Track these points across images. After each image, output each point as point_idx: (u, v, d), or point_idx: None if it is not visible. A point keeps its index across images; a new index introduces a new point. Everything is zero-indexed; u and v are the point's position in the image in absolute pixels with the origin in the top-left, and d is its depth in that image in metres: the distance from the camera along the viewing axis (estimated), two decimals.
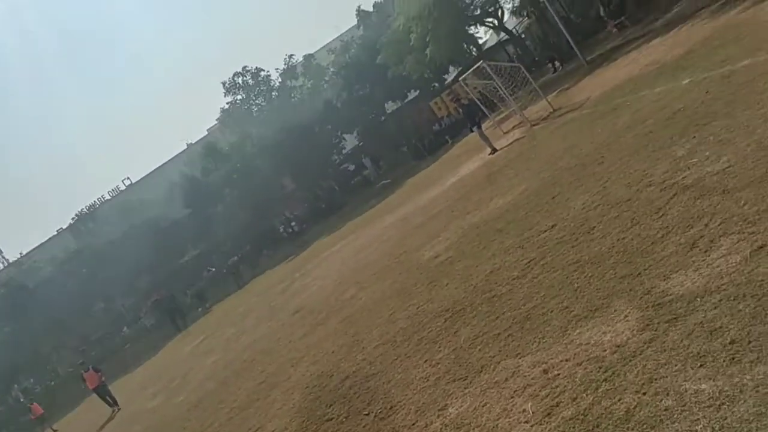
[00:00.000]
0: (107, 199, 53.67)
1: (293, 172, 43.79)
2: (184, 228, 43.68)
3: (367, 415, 5.05)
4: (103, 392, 17.16)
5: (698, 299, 3.50)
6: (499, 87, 17.64)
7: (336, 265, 15.35)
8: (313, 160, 42.57)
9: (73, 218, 45.67)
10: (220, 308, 24.72)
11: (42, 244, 52.33)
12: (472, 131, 17.81)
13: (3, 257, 58.87)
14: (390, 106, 45.68)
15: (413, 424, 4.33)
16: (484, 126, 17.77)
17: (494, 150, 15.89)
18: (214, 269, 45.54)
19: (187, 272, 45.11)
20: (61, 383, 44.53)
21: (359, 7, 44.13)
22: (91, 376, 17.28)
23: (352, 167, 47.82)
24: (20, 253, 49.35)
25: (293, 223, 46.40)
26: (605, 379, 3.33)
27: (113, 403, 16.85)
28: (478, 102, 18.03)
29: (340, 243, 20.48)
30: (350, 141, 46.74)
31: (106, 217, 44.76)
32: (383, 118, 44.99)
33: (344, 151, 47.15)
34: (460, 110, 18.12)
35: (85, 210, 46.22)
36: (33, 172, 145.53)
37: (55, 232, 54.19)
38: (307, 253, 26.82)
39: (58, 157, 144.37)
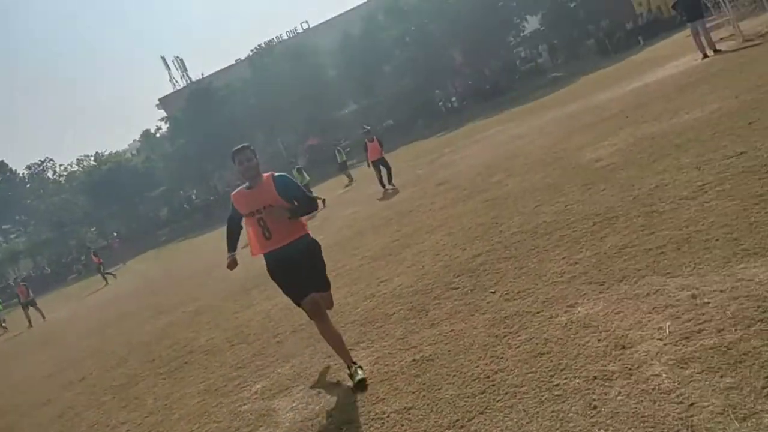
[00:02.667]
0: (285, 39, 55.59)
1: (465, 47, 42.47)
2: (349, 81, 44.57)
3: (493, 293, 5.12)
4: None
5: None
6: None
7: (488, 149, 15.11)
8: (488, 37, 40.87)
9: (251, 50, 48.05)
10: (364, 168, 25.55)
11: (221, 69, 55.97)
12: (689, 25, 15.04)
13: (188, 75, 64.06)
14: None
15: (538, 312, 4.34)
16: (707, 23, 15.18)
17: (706, 55, 14.16)
18: (369, 128, 46.74)
19: (343, 126, 46.68)
20: (218, 200, 49.52)
21: None
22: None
23: (526, 52, 45.45)
24: (202, 74, 53.24)
25: (454, 99, 45.75)
26: (762, 320, 3.07)
27: None
28: None
29: (497, 127, 20.02)
30: (532, 24, 43.96)
31: (280, 56, 46.52)
32: (573, 4, 41.57)
33: (523, 34, 44.62)
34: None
35: (263, 45, 48.29)
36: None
37: (234, 62, 57.60)
38: (462, 131, 26.59)
39: None
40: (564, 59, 41.06)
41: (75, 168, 60.18)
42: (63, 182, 59.64)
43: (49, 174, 62.07)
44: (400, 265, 7.35)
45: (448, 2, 40.66)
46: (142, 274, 25.03)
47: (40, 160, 62.16)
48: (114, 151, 58.18)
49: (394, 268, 7.36)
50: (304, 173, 21.46)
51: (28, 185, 59.57)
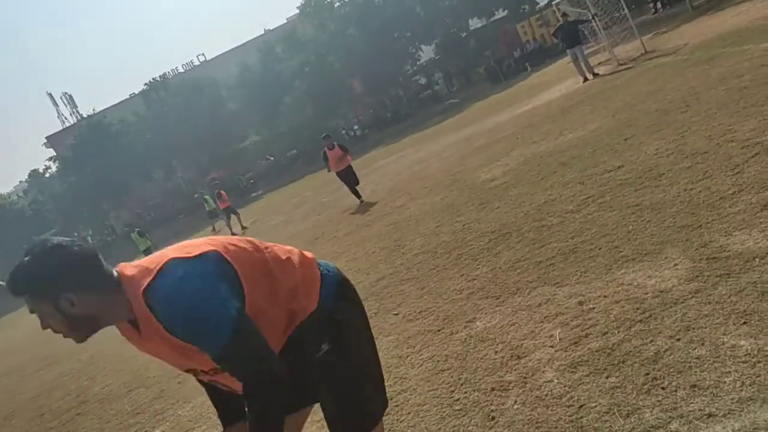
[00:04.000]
0: (180, 72, 54.41)
1: (364, 76, 43.23)
2: (249, 112, 44.11)
3: (396, 314, 5.16)
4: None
5: (757, 259, 3.34)
6: (594, 18, 16.65)
7: (391, 174, 15.36)
8: (386, 66, 41.84)
9: (146, 84, 46.59)
10: (273, 196, 25.29)
11: (114, 105, 53.93)
12: (568, 51, 16.01)
13: (77, 111, 61.23)
14: (474, 23, 43.96)
15: (439, 330, 4.41)
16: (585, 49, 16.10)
17: (586, 79, 15.12)
18: (272, 158, 46.36)
19: (247, 157, 46.06)
20: (115, 240, 47.24)
21: None
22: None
23: (423, 80, 46.89)
24: (93, 110, 51.01)
25: (356, 127, 46.31)
26: (641, 320, 3.27)
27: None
28: (580, 23, 16.71)
29: (399, 153, 20.42)
30: (426, 53, 45.48)
31: (177, 89, 45.43)
32: (465, 34, 43.48)
33: (419, 63, 46.06)
34: (562, 25, 16.29)
35: (158, 78, 46.98)
36: (114, 31, 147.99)
37: (128, 96, 55.67)
38: (365, 158, 26.88)
39: (138, 22, 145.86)
40: (459, 86, 42.66)
41: None
42: None
43: None
44: None
45: (344, 34, 41.37)
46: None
47: None
48: None
49: None
50: (147, 236, 19.87)
51: None
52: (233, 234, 17.95)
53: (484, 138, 13.81)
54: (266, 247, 2.03)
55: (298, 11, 44.43)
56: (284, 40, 44.06)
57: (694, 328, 2.99)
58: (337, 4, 42.85)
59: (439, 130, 22.50)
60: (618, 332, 3.27)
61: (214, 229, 24.17)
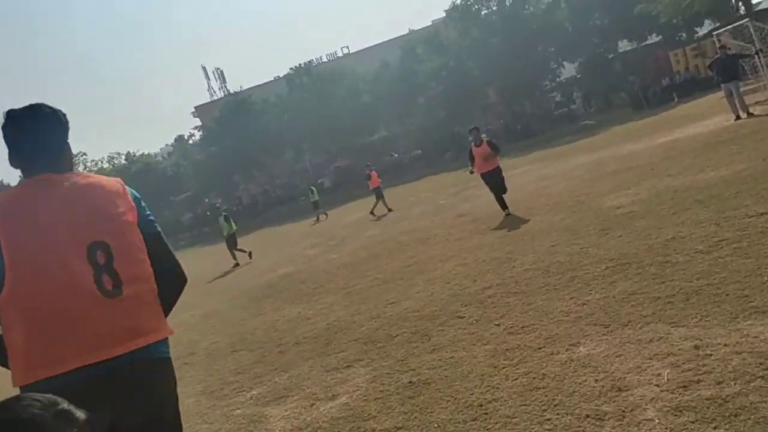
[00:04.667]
0: (324, 61, 56.58)
1: (500, 85, 42.73)
2: (382, 108, 45.02)
3: (497, 325, 5.11)
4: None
5: None
6: (758, 54, 15.46)
7: (514, 188, 15.10)
8: (524, 78, 41.10)
9: (291, 69, 48.86)
10: (392, 192, 25.69)
11: (259, 84, 57.05)
12: (722, 86, 14.74)
13: (226, 87, 65.41)
14: (623, 45, 42.11)
15: (540, 348, 4.33)
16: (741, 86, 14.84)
17: (738, 117, 14.11)
18: (396, 155, 47.04)
19: (373, 150, 47.05)
20: (238, 212, 50.05)
21: None
22: None
23: (560, 97, 45.59)
24: (240, 87, 54.30)
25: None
26: (762, 377, 3.04)
27: None
28: (740, 58, 15.61)
29: (525, 167, 20.03)
30: (568, 70, 44.16)
31: (318, 77, 47.26)
32: (612, 55, 41.79)
33: (558, 79, 44.83)
34: (720, 57, 15.21)
35: (302, 65, 49.13)
36: (268, 14, 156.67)
37: (273, 78, 58.69)
38: None
39: (290, 12, 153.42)
40: (597, 108, 41.08)
41: (106, 165, 61.26)
42: None
43: (80, 168, 63.31)
44: (410, 290, 7.37)
45: (487, 42, 41.08)
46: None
47: (73, 154, 63.44)
48: (146, 153, 59.16)
49: (404, 292, 7.38)
50: (232, 222, 19.13)
51: None
52: (373, 214, 19.74)
53: (616, 164, 13.25)
54: None
55: (444, 14, 44.64)
56: (426, 42, 44.50)
57: None
58: (485, 11, 42.61)
59: (569, 150, 21.83)
60: (734, 384, 3.07)
61: (317, 220, 25.28)
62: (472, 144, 11.33)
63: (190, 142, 63.81)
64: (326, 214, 25.98)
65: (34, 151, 2.10)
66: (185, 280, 2.39)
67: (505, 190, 11.13)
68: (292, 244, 18.88)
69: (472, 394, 3.89)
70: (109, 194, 2.14)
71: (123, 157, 57.59)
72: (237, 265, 17.30)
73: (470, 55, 41.88)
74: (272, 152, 48.87)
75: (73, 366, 1.88)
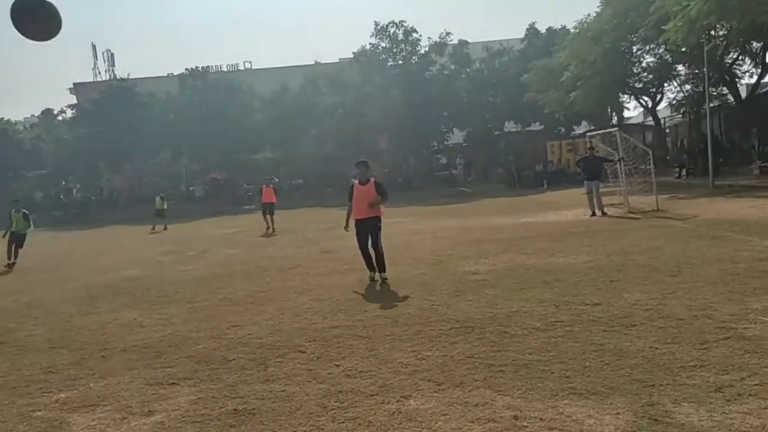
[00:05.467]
0: (223, 70, 55.18)
1: (392, 135, 43.88)
2: (271, 129, 44.38)
3: (337, 365, 5.07)
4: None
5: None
6: (620, 162, 17.07)
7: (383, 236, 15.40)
8: (415, 135, 42.52)
9: (186, 69, 47.19)
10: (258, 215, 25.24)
11: (149, 77, 54.42)
12: (585, 183, 16.30)
13: (113, 70, 61.81)
14: (509, 126, 45.01)
15: (372, 395, 4.31)
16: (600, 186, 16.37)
17: (594, 214, 15.38)
18: (277, 179, 46.36)
19: (253, 170, 46.03)
20: (99, 201, 46.86)
21: (533, 24, 43.34)
22: None
23: (444, 160, 47.57)
24: (128, 75, 51.30)
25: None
26: None
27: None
28: (605, 161, 17.15)
29: (398, 218, 20.49)
30: (456, 136, 46.38)
31: (213, 83, 45.97)
32: (497, 132, 44.47)
33: (446, 143, 46.86)
34: (588, 157, 16.64)
35: (200, 68, 47.62)
36: (174, 8, 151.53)
37: (165, 74, 56.27)
38: None
39: (200, 12, 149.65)
40: (475, 177, 43.29)
41: None
42: None
43: None
44: (258, 316, 7.17)
45: (387, 92, 42.21)
46: None
47: None
48: (5, 118, 53.94)
49: (251, 316, 7.17)
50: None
51: None
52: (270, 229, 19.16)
53: (481, 233, 13.93)
54: None
55: (352, 56, 45.43)
56: (329, 77, 44.88)
57: None
58: (391, 63, 43.90)
59: (442, 211, 22.72)
60: None
61: (153, 229, 24.54)
62: (355, 181, 9.21)
63: (60, 118, 59.30)
64: (166, 227, 24.91)
65: None
66: None
67: (377, 250, 8.90)
68: (145, 247, 17.88)
69: (295, 431, 3.78)
70: None
71: None
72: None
73: (369, 100, 42.73)
74: (148, 149, 46.46)
75: None
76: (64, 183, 53.34)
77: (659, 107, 37.15)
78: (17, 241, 15.32)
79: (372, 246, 8.90)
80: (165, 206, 26.10)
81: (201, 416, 4.14)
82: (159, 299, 8.81)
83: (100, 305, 8.70)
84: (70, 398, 4.73)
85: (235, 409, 4.22)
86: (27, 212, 15.87)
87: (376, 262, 8.88)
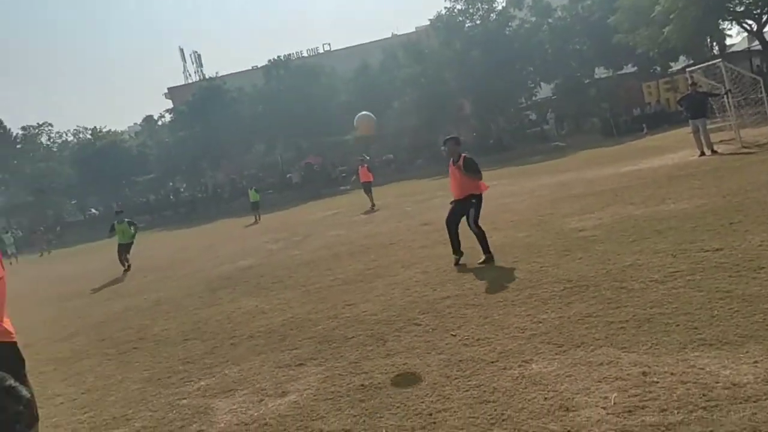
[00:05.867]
0: (304, 56, 56.20)
1: (476, 98, 43.04)
2: (358, 108, 44.85)
3: (453, 335, 5.14)
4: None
5: None
6: (727, 94, 15.92)
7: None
8: (500, 94, 41.49)
9: (269, 60, 48.42)
10: (359, 194, 25.67)
11: (235, 72, 56.31)
12: (690, 122, 15.04)
13: (202, 71, 64.47)
14: (600, 72, 42.90)
15: (493, 362, 4.36)
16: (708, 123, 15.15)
17: (703, 153, 14.49)
18: (368, 157, 46.95)
19: (345, 150, 46.86)
20: (205, 198, 49.29)
21: None
22: None
23: (533, 116, 46.17)
24: (216, 73, 53.40)
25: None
26: (705, 407, 3.12)
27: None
28: (710, 96, 16.01)
29: (492, 182, 20.14)
30: (545, 90, 44.79)
31: (296, 71, 46.89)
32: (587, 81, 42.49)
33: (534, 98, 45.41)
34: (690, 94, 15.46)
35: (282, 57, 48.74)
36: (251, 3, 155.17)
37: (250, 68, 58.01)
38: None
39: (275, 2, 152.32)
40: (568, 130, 41.79)
41: (70, 138, 59.70)
42: (54, 150, 59.10)
43: (44, 139, 61.46)
44: (369, 293, 7.36)
45: (468, 54, 41.36)
46: (109, 256, 24.71)
47: (37, 123, 61.55)
48: (112, 130, 57.78)
49: (363, 294, 7.37)
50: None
51: (20, 146, 58.90)
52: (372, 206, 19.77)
53: (581, 187, 13.49)
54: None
55: (428, 23, 44.83)
56: (408, 47, 44.59)
57: (760, 430, 2.83)
58: (469, 24, 42.91)
59: (537, 169, 22.16)
60: (678, 413, 3.14)
61: (255, 221, 25.23)
62: (451, 161, 8.48)
63: (160, 123, 62.69)
64: (258, 219, 25.85)
65: None
66: None
67: (473, 230, 8.07)
68: (253, 237, 18.70)
69: (422, 402, 3.90)
70: None
71: (89, 132, 56.19)
72: (128, 270, 15.49)
73: (449, 66, 42.12)
74: (243, 142, 48.29)
75: None
76: (171, 184, 56.58)
77: (766, 29, 34.06)
78: (126, 249, 15.79)
79: (468, 226, 8.15)
80: (258, 198, 26.98)
81: (331, 393, 4.36)
82: (274, 285, 9.24)
83: (222, 296, 9.24)
84: (210, 385, 5.10)
85: (362, 385, 4.40)
86: (131, 221, 16.54)
87: (479, 242, 8.07)
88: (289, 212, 27.83)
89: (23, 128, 58.95)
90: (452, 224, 8.31)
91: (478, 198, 8.19)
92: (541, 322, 5.02)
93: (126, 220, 16.20)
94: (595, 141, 31.43)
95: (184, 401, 4.82)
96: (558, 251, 7.55)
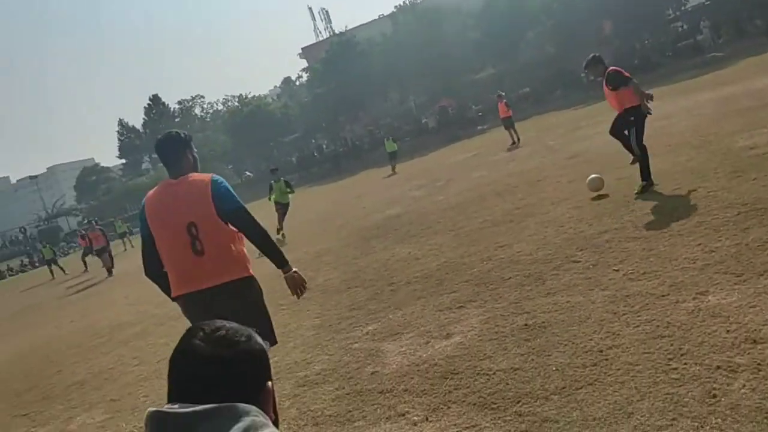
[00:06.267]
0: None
1: (617, 17, 39.91)
2: (489, 44, 43.50)
3: (616, 270, 4.96)
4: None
5: None
6: None
7: None
8: (645, 8, 38.12)
9: (395, 6, 48.29)
10: (498, 132, 25.15)
11: (363, 24, 56.81)
12: None
13: (331, 27, 65.68)
14: None
15: (663, 296, 4.17)
16: None
17: None
18: (503, 93, 45.65)
19: (478, 89, 45.92)
20: (347, 151, 50.85)
21: None
22: None
23: (684, 27, 41.98)
24: (345, 27, 54.28)
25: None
26: None
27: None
28: None
29: None
30: None
31: (423, 13, 46.31)
32: None
33: (684, 7, 41.21)
34: None
35: (407, 2, 48.34)
36: None
37: (377, 17, 58.23)
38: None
39: None
40: (727, 38, 37.54)
41: (220, 107, 64.05)
42: (208, 120, 63.84)
43: (197, 110, 66.54)
44: (521, 233, 7.27)
45: None
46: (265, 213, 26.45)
47: (191, 96, 66.66)
48: (256, 95, 61.12)
49: (515, 235, 7.30)
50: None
51: (177, 119, 64.20)
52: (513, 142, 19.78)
53: (749, 100, 12.17)
54: None
55: None
56: None
57: None
58: None
59: (693, 85, 20.27)
60: None
61: (393, 171, 25.26)
62: (602, 82, 8.09)
63: (297, 83, 65.15)
64: (394, 168, 25.79)
65: (165, 164, 3.43)
66: (262, 232, 3.41)
67: (631, 151, 7.81)
68: (395, 186, 19.06)
69: (591, 340, 3.84)
70: (199, 190, 3.26)
71: (236, 99, 59.85)
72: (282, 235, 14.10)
73: None
74: (377, 93, 48.97)
75: (184, 291, 3.27)
76: (313, 141, 59.02)
77: None
78: (283, 210, 14.91)
79: (630, 146, 7.77)
80: (396, 147, 27.05)
81: (495, 334, 4.41)
82: (424, 231, 9.42)
83: (375, 245, 9.59)
84: (377, 329, 5.38)
85: (525, 324, 4.41)
86: (288, 180, 15.72)
87: (639, 167, 7.57)
88: (427, 158, 27.95)
89: (179, 102, 64.18)
90: (615, 133, 8.02)
91: (637, 114, 7.56)
92: (714, 251, 4.69)
93: (282, 178, 15.56)
94: (760, 45, 27.98)
95: (356, 345, 5.13)
96: (727, 173, 6.94)
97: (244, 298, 3.31)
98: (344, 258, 9.31)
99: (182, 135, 3.47)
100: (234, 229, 3.32)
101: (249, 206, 3.54)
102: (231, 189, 3.34)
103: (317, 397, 4.23)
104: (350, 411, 3.89)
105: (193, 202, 3.23)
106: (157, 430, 1.05)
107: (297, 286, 3.56)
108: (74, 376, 6.97)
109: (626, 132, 7.79)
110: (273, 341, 3.42)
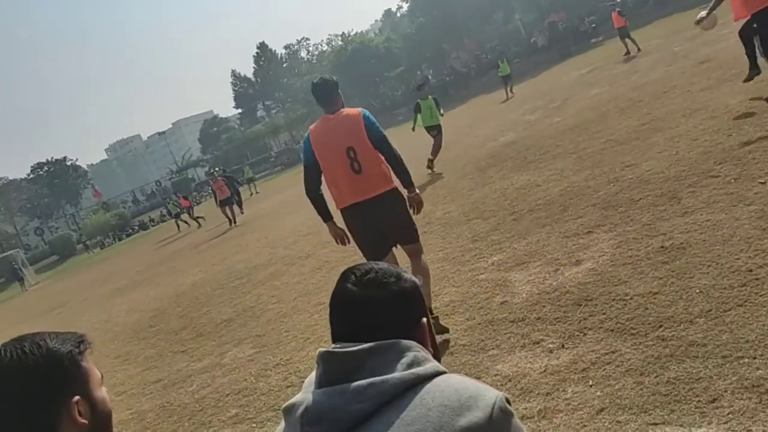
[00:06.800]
0: None
1: None
2: None
3: (762, 183, 4.58)
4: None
5: None
6: None
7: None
8: None
9: None
10: (614, 43, 23.50)
11: None
12: None
13: None
14: None
15: None
16: None
17: None
18: (618, 1, 42.26)
19: (589, 0, 42.87)
20: (453, 80, 49.81)
21: None
22: None
23: None
24: None
25: None
26: None
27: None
28: None
29: None
30: None
31: None
32: None
33: None
34: None
35: None
36: None
37: None
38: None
39: None
40: None
41: (325, 48, 64.62)
42: (314, 62, 64.75)
43: (303, 54, 67.61)
44: (649, 150, 6.86)
45: None
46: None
47: (297, 40, 67.74)
48: (358, 31, 60.91)
49: (642, 153, 6.90)
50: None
51: (285, 64, 65.74)
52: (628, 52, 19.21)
53: None
54: None
55: None
56: None
57: None
58: None
59: None
60: None
61: (507, 96, 23.95)
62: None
63: (398, 15, 64.05)
64: (511, 91, 24.29)
65: (322, 103, 4.14)
66: (399, 157, 4.12)
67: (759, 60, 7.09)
68: (508, 111, 18.49)
69: (738, 259, 3.60)
70: (354, 121, 4.03)
71: (339, 38, 60.00)
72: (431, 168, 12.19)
73: None
74: (480, 14, 47.12)
75: (349, 203, 4.08)
76: (419, 73, 58.27)
77: None
78: (438, 134, 12.60)
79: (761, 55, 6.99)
80: (509, 71, 25.59)
81: (629, 258, 4.26)
82: (542, 156, 9.13)
83: (492, 174, 9.45)
84: (503, 260, 5.36)
85: (662, 246, 4.21)
86: (435, 97, 13.11)
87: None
88: (540, 78, 26.75)
89: (285, 47, 65.39)
90: (744, 37, 7.12)
91: (764, 18, 6.56)
92: None
93: (431, 96, 12.87)
94: None
95: (482, 276, 5.15)
96: None
97: (393, 206, 4.13)
98: (461, 190, 9.26)
99: (334, 79, 4.27)
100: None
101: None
102: (376, 121, 4.10)
103: (449, 327, 4.32)
104: (483, 340, 3.95)
105: (349, 130, 3.99)
106: (328, 367, 1.13)
107: (418, 204, 4.32)
108: (221, 315, 7.57)
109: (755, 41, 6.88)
110: (417, 239, 4.37)
